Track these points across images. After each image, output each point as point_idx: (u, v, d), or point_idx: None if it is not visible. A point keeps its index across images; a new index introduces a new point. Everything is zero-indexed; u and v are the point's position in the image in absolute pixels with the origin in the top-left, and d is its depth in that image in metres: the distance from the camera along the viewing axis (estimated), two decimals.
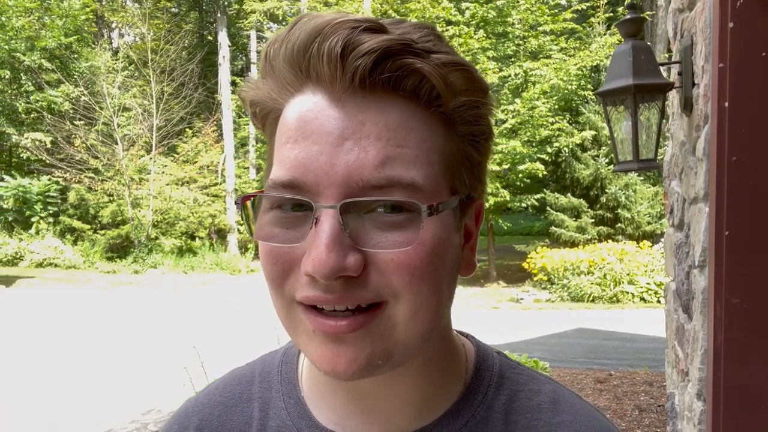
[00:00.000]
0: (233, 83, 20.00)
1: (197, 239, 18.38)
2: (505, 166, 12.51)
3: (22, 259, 16.21)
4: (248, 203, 0.43)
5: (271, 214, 0.42)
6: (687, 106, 1.91)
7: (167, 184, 17.54)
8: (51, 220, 17.74)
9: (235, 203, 0.44)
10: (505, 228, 14.02)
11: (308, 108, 0.41)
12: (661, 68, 2.07)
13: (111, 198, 17.65)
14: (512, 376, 0.54)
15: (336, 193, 0.39)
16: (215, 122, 19.19)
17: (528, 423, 0.50)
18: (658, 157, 2.16)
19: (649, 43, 2.40)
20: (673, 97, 2.34)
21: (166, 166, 18.00)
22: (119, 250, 17.26)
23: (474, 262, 0.49)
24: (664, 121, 2.05)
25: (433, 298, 0.42)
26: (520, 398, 0.52)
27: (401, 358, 0.43)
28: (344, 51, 0.39)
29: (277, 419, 0.53)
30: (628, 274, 10.58)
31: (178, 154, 18.49)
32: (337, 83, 0.40)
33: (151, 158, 17.40)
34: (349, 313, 0.41)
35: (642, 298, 10.36)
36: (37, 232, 17.25)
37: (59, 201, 18.04)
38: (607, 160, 13.55)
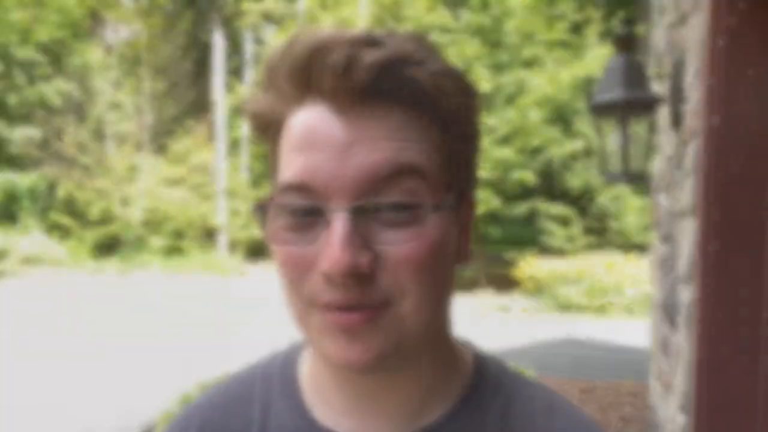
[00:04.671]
0: (227, 83, 19.94)
1: (187, 239, 18.25)
2: (496, 174, 12.56)
3: (8, 255, 16.03)
4: (263, 209, 0.46)
5: (284, 220, 0.45)
6: (676, 120, 1.93)
7: (157, 183, 17.42)
8: (38, 216, 17.56)
9: (252, 211, 0.48)
10: (495, 236, 14.05)
11: (312, 119, 0.44)
12: (652, 82, 2.09)
13: (100, 195, 17.49)
14: (509, 382, 0.55)
15: (346, 195, 0.42)
16: (208, 122, 19.11)
17: (523, 427, 0.52)
18: (647, 170, 2.18)
19: (641, 57, 2.43)
20: (663, 112, 2.36)
21: (156, 165, 17.89)
22: (107, 248, 17.10)
23: (469, 253, 0.52)
24: (653, 134, 2.07)
25: (436, 289, 0.46)
26: (516, 404, 0.54)
27: (408, 350, 0.46)
28: (347, 65, 0.42)
29: (278, 420, 0.54)
30: (615, 285, 10.63)
31: (169, 152, 18.38)
32: (340, 95, 0.43)
33: (141, 156, 17.28)
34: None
35: (629, 310, 10.42)
36: (24, 228, 17.07)
37: (47, 197, 17.86)
38: (597, 171, 13.63)
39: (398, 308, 0.44)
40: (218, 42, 19.81)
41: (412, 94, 0.44)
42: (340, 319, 0.43)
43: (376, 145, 0.43)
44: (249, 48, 21.00)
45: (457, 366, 0.54)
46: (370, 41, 0.43)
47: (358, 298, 0.43)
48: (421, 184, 0.44)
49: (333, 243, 0.42)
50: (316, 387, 0.53)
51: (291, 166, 0.44)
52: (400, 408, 0.50)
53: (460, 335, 0.58)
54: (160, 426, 4.18)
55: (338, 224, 0.42)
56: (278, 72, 0.45)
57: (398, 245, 0.43)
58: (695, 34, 1.72)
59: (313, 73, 0.43)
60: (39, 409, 5.00)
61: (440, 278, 0.46)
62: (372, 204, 0.43)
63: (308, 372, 0.55)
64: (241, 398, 0.57)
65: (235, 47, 23.58)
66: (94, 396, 5.39)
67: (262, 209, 0.46)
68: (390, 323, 0.44)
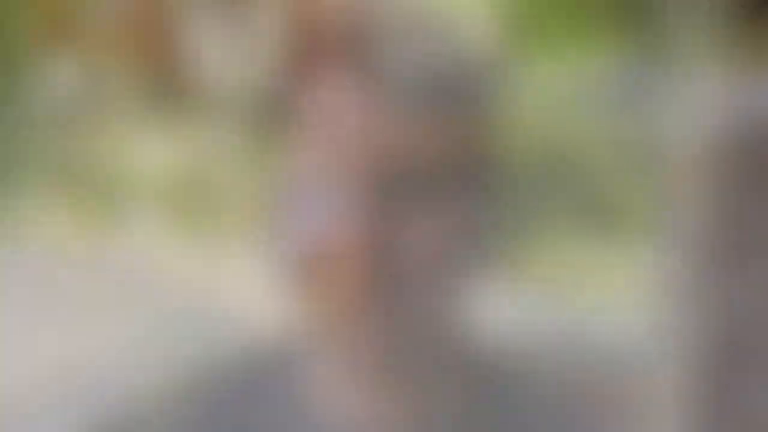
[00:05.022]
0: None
1: (193, 210, 18.57)
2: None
3: (6, 219, 16.31)
4: (277, 188, 0.48)
5: (298, 201, 0.45)
6: (693, 109, 1.87)
7: (166, 155, 17.67)
8: (40, 181, 17.84)
9: (265, 189, 0.50)
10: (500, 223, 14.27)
11: (328, 103, 0.45)
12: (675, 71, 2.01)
13: (104, 165, 17.75)
14: (520, 379, 0.56)
15: (363, 181, 0.43)
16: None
17: (531, 426, 0.53)
18: (662, 159, 2.13)
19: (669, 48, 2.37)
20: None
21: (164, 134, 18.13)
22: (111, 219, 17.39)
23: (487, 244, 0.53)
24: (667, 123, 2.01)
25: (453, 279, 0.47)
26: (525, 402, 0.54)
27: (424, 340, 0.47)
28: (370, 54, 0.43)
29: (288, 407, 0.54)
30: (618, 276, 10.71)
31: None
32: (362, 82, 0.44)
33: (149, 127, 17.51)
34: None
35: (635, 302, 10.50)
36: (24, 194, 17.34)
37: (50, 162, 18.13)
38: (610, 159, 13.70)
39: (414, 298, 0.45)
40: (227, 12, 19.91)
41: (435, 81, 0.45)
42: (354, 305, 0.44)
43: (399, 125, 0.44)
44: (258, 20, 21.12)
45: (469, 359, 0.55)
46: (394, 30, 0.45)
47: (373, 285, 0.43)
48: (439, 171, 0.44)
49: (349, 226, 0.43)
50: (328, 374, 0.53)
51: (307, 148, 0.45)
52: (410, 398, 0.50)
53: (470, 327, 0.59)
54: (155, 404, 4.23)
55: (355, 208, 0.43)
56: (294, 49, 0.47)
57: (417, 234, 0.44)
58: (713, 23, 1.65)
59: (330, 57, 0.44)
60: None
61: (458, 269, 0.47)
62: (390, 190, 0.43)
63: (320, 358, 0.55)
64: (249, 383, 0.57)
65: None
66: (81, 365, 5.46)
67: (276, 188, 0.47)
68: (406, 311, 0.45)
